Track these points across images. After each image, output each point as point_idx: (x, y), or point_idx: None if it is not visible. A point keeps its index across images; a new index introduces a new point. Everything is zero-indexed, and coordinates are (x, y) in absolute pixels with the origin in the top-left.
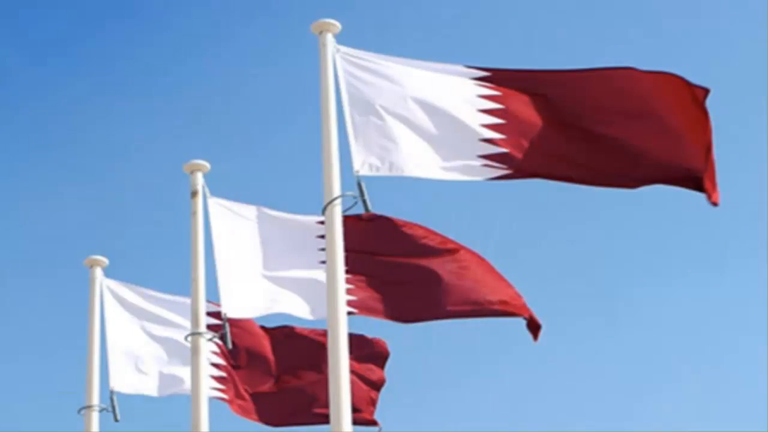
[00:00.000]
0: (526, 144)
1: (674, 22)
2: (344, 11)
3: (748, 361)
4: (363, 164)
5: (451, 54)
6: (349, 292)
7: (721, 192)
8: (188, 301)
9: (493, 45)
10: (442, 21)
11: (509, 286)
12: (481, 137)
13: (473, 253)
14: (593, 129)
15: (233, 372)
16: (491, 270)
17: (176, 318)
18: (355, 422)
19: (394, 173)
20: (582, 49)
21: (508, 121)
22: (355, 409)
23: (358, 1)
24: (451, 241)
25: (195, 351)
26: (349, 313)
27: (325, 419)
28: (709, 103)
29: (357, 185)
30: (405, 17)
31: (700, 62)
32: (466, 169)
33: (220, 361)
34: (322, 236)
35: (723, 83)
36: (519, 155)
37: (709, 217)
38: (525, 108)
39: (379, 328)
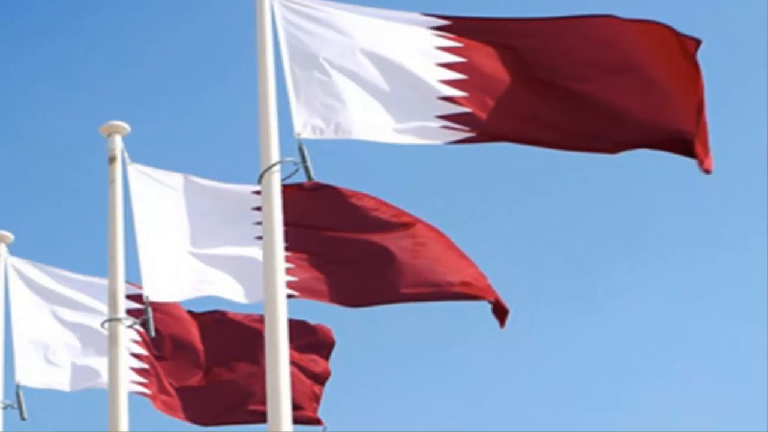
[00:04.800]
0: (491, 103)
1: None
2: None
3: (746, 348)
4: (305, 126)
5: (406, 3)
6: (288, 272)
7: (715, 157)
8: (105, 282)
9: None
10: None
11: (472, 264)
12: (440, 95)
13: (431, 228)
14: (568, 86)
15: (157, 363)
16: (451, 247)
17: (92, 302)
18: (296, 421)
19: (341, 136)
20: None
21: (470, 77)
22: (296, 406)
23: None
24: (406, 214)
25: (113, 339)
26: (289, 296)
27: (261, 417)
28: (701, 55)
29: (298, 150)
30: None
31: (691, 8)
32: (422, 131)
33: (142, 350)
34: (258, 208)
35: (717, 32)
36: (483, 116)
37: (702, 185)
38: (490, 62)
39: (324, 313)
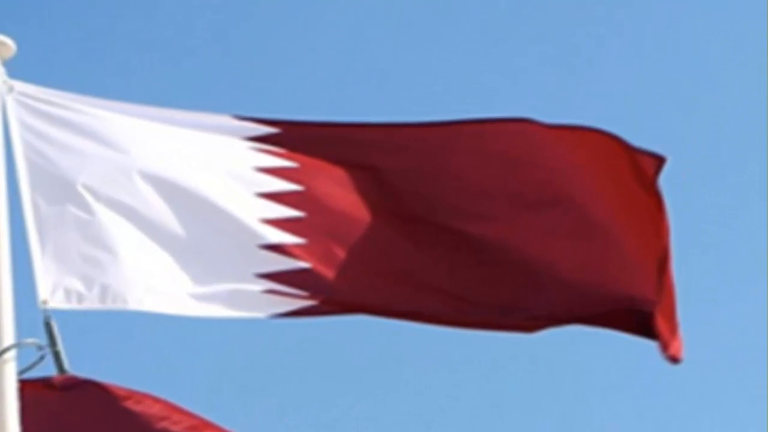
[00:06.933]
0: (341, 254)
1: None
2: (19, 24)
3: None
4: (55, 290)
5: (214, 97)
6: None
7: (687, 338)
8: None
9: (282, 80)
10: (197, 35)
11: None
12: (263, 242)
13: None
14: (460, 227)
15: None
16: None
17: None
18: None
19: (111, 305)
20: (449, 82)
21: (309, 214)
22: None
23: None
24: (209, 425)
25: None
26: None
27: None
28: (666, 180)
29: (45, 327)
30: (121, 26)
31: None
32: (236, 298)
33: None
34: None
35: (685, 147)
36: (329, 274)
37: (669, 378)
38: (339, 191)
39: None
